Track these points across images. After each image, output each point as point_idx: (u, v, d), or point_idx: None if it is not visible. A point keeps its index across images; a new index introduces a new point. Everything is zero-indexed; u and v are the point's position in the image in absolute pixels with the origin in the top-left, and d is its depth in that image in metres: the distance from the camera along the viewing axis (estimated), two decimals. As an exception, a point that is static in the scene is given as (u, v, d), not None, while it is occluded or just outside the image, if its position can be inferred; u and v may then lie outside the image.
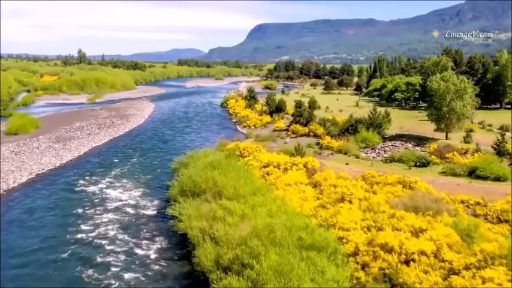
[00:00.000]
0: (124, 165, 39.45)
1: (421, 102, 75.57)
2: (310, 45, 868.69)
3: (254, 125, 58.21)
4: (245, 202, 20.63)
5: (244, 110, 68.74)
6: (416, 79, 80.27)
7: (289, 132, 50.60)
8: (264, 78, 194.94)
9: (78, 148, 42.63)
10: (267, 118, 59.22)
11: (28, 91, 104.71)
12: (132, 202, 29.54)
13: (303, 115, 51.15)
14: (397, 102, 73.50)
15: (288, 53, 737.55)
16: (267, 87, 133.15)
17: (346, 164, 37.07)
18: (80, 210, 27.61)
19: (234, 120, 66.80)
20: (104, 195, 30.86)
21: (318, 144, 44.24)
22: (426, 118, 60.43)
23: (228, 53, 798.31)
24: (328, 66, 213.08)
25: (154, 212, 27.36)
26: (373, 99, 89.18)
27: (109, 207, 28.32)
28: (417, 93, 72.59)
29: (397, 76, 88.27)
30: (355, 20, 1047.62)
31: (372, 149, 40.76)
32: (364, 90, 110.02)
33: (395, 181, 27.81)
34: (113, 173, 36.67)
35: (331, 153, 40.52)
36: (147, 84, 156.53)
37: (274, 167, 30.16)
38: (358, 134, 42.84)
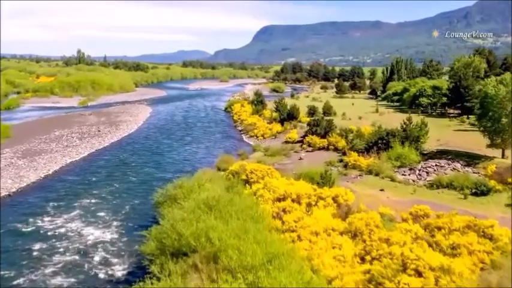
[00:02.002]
0: (103, 188, 31.72)
1: (446, 108, 67.53)
2: (316, 47, 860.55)
3: (262, 135, 50.23)
4: (256, 281, 12.75)
5: (251, 117, 60.76)
6: (440, 82, 72.26)
7: (304, 145, 42.67)
8: (271, 80, 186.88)
9: (48, 165, 34.71)
10: (278, 127, 51.24)
11: (18, 93, 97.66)
12: (100, 248, 21.77)
13: (321, 124, 43.19)
14: (422, 109, 65.32)
15: (293, 55, 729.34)
16: (274, 90, 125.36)
17: (382, 190, 29.16)
18: (25, 259, 19.90)
19: (240, 128, 58.90)
20: (64, 236, 23.10)
21: (341, 161, 36.31)
22: (461, 128, 52.63)
23: (233, 55, 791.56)
24: (337, 69, 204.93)
25: (126, 268, 19.54)
26: (393, 104, 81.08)
27: (64, 258, 20.52)
28: (445, 98, 64.45)
29: (419, 79, 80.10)
30: (362, 22, 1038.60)
31: (411, 169, 32.69)
32: (379, 94, 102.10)
33: (464, 225, 19.81)
34: (85, 200, 28.93)
35: (360, 175, 32.57)
36: (148, 86, 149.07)
37: (293, 200, 22.26)
38: (391, 150, 34.81)
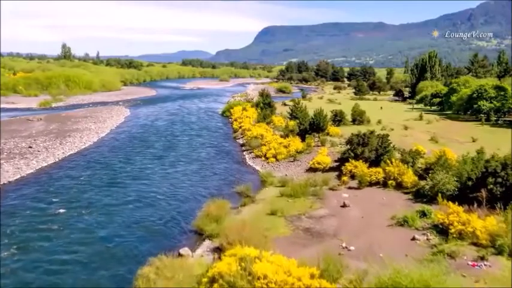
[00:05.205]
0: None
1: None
2: (319, 48, 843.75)
3: (275, 156, 33.41)
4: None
5: (257, 126, 44.08)
6: (492, 81, 56.40)
7: (344, 177, 26.30)
8: (275, 80, 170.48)
9: None
10: (297, 143, 34.35)
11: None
12: None
13: (370, 143, 26.91)
14: (483, 116, 49.12)
15: (296, 56, 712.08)
16: (280, 91, 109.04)
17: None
18: None
19: (241, 142, 42.43)
20: None
21: (424, 215, 20.05)
22: None
23: (235, 56, 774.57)
24: (345, 69, 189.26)
25: None
26: (430, 108, 64.83)
27: None
28: (513, 102, 48.38)
29: (467, 77, 63.88)
30: (365, 24, 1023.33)
31: None
32: (407, 95, 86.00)
33: None
34: None
35: (481, 257, 16.17)
36: (139, 85, 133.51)
37: None
38: (524, 201, 18.56)
